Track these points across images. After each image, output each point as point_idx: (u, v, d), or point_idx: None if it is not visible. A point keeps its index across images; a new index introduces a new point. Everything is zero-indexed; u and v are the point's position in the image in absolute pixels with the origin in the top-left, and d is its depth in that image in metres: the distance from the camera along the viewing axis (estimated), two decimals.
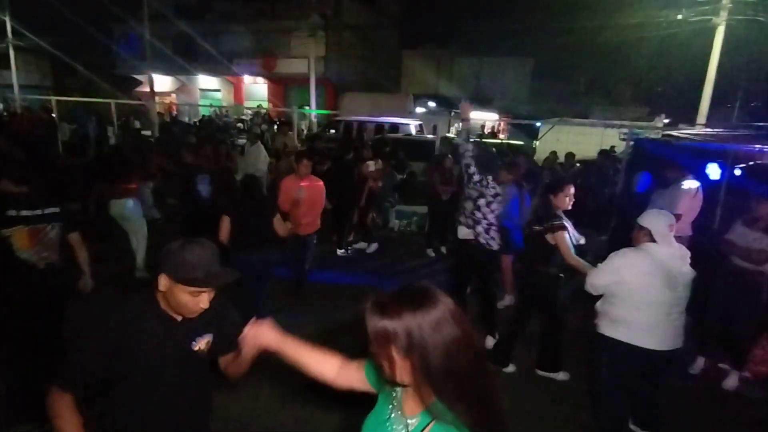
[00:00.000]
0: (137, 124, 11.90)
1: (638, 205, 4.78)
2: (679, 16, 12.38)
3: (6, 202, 2.66)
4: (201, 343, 1.56)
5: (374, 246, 6.47)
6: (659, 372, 2.79)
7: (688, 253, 2.61)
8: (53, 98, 11.76)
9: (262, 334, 1.39)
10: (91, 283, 2.99)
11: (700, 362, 3.69)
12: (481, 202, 3.72)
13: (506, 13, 21.23)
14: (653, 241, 2.56)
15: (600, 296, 2.71)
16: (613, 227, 5.94)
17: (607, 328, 2.63)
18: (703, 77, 12.43)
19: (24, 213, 2.65)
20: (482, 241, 3.75)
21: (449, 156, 6.27)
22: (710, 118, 12.44)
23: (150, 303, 1.50)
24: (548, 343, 3.55)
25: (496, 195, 3.75)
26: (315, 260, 5.08)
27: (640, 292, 2.50)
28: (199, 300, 1.46)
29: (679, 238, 4.25)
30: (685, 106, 14.83)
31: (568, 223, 3.30)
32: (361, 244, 6.52)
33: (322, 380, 1.37)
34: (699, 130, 7.82)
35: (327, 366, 1.37)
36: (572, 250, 3.20)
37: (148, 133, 11.65)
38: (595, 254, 6.28)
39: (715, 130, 7.31)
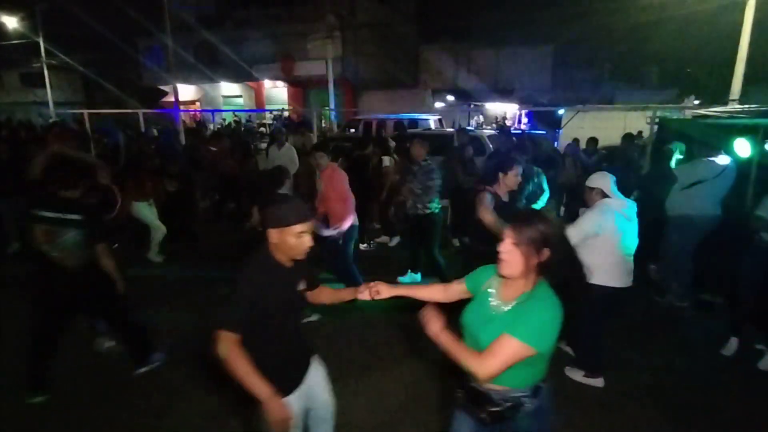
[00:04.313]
0: (155, 132, 12.21)
1: (664, 187, 4.65)
2: None
3: (33, 200, 2.89)
4: (301, 284, 1.91)
5: (396, 239, 6.52)
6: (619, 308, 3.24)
7: (633, 204, 3.03)
8: (85, 111, 12.28)
9: (381, 289, 1.87)
10: (124, 285, 3.10)
11: (734, 343, 3.58)
12: None
13: (523, 1, 20.79)
14: (606, 197, 2.98)
15: None
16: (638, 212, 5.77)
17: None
18: (734, 55, 11.89)
19: (45, 213, 2.79)
20: None
21: (469, 146, 6.24)
22: (743, 97, 11.87)
23: (268, 257, 1.78)
24: None
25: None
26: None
27: (613, 239, 2.91)
28: (304, 240, 1.74)
29: (705, 217, 4.14)
30: (717, 87, 14.19)
31: None
32: (383, 238, 6.58)
33: (435, 301, 1.81)
34: (731, 107, 7.48)
35: (436, 292, 1.90)
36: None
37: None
38: None
39: (748, 106, 6.96)
